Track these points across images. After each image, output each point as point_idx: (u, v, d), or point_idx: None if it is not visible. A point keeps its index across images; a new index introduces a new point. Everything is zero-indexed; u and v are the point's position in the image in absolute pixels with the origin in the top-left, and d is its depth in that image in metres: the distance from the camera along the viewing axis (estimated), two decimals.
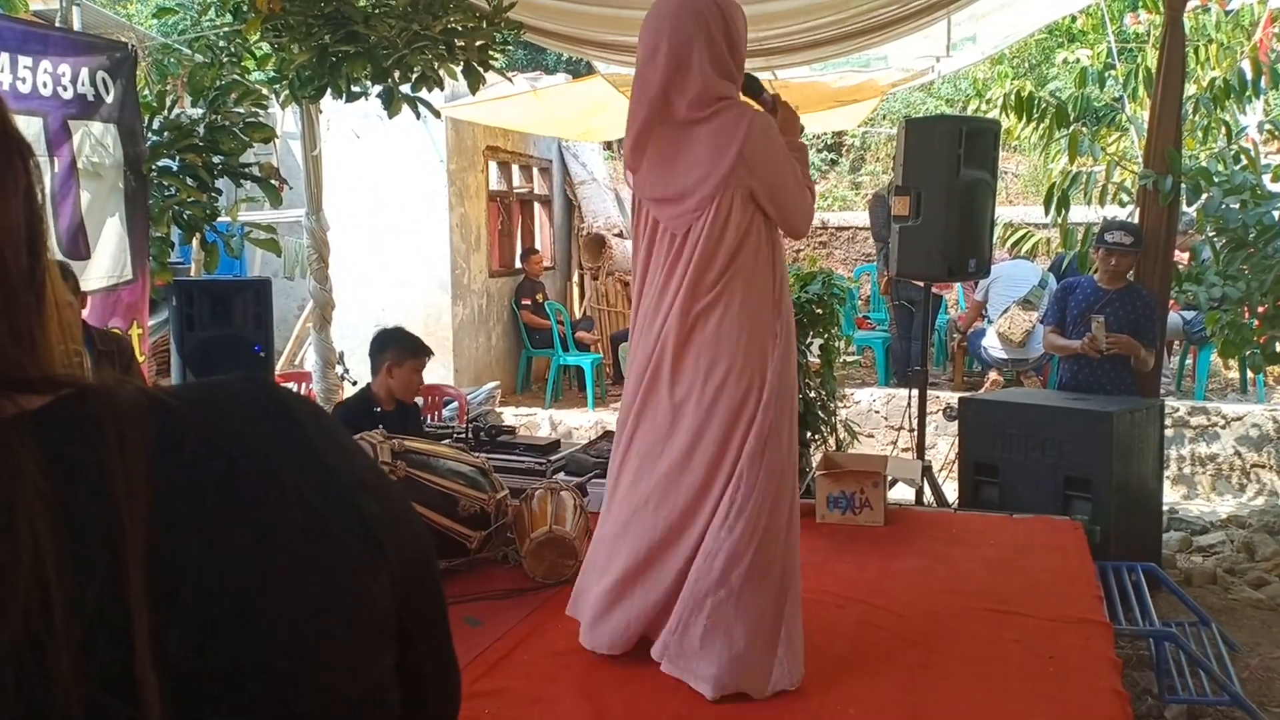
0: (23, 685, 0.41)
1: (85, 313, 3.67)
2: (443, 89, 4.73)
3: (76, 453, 0.45)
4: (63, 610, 0.42)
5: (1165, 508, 4.94)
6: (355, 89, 4.47)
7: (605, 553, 2.42)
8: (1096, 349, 4.47)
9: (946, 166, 4.26)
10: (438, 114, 4.87)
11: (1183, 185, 4.69)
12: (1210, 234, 4.75)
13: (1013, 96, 5.60)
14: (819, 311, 5.34)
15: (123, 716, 0.42)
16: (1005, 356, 7.18)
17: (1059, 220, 5.24)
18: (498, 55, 4.74)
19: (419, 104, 4.56)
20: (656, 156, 2.31)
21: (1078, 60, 7.39)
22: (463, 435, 4.07)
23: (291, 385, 5.12)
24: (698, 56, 2.24)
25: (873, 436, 7.16)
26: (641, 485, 2.35)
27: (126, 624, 0.43)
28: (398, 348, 3.93)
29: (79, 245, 3.70)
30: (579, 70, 8.87)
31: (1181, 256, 5.70)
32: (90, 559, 0.43)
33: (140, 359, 3.95)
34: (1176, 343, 7.44)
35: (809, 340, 5.36)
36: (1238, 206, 4.55)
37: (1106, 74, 6.67)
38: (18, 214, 0.49)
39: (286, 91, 4.56)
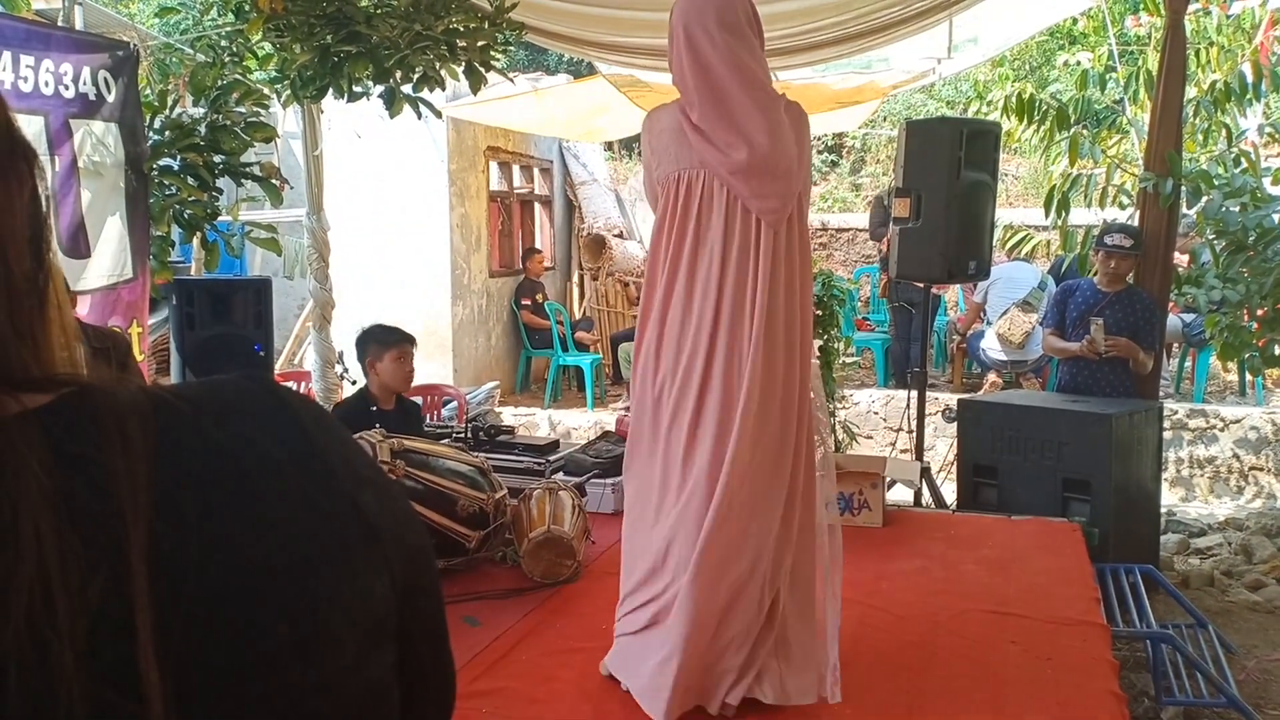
0: (27, 681, 0.41)
1: (85, 312, 3.68)
2: (444, 89, 4.74)
3: (79, 451, 0.46)
4: (66, 607, 0.42)
5: (1163, 510, 4.95)
6: (357, 89, 4.47)
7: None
8: (1095, 351, 4.47)
9: (947, 168, 4.26)
10: (439, 114, 4.87)
11: (1183, 188, 4.69)
12: (1210, 237, 4.75)
13: (1014, 99, 5.60)
14: (818, 313, 5.34)
15: (126, 712, 0.43)
16: (1004, 358, 7.18)
17: (1059, 222, 5.24)
18: (499, 56, 4.73)
19: (420, 104, 4.56)
20: (768, 130, 2.17)
21: (1078, 63, 7.38)
22: (462, 435, 4.07)
23: (291, 384, 5.12)
24: (747, 32, 2.19)
25: (871, 438, 7.16)
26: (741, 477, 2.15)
27: (130, 621, 0.43)
28: (375, 342, 3.92)
29: (79, 244, 3.70)
30: (580, 71, 8.88)
31: (1181, 259, 5.70)
32: (93, 556, 0.44)
33: (140, 358, 3.95)
34: (1175, 345, 7.45)
35: None
36: (1238, 209, 4.56)
37: (1107, 76, 6.66)
38: (22, 215, 0.49)
39: (288, 91, 4.56)
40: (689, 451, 2.17)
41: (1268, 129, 6.13)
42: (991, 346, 7.23)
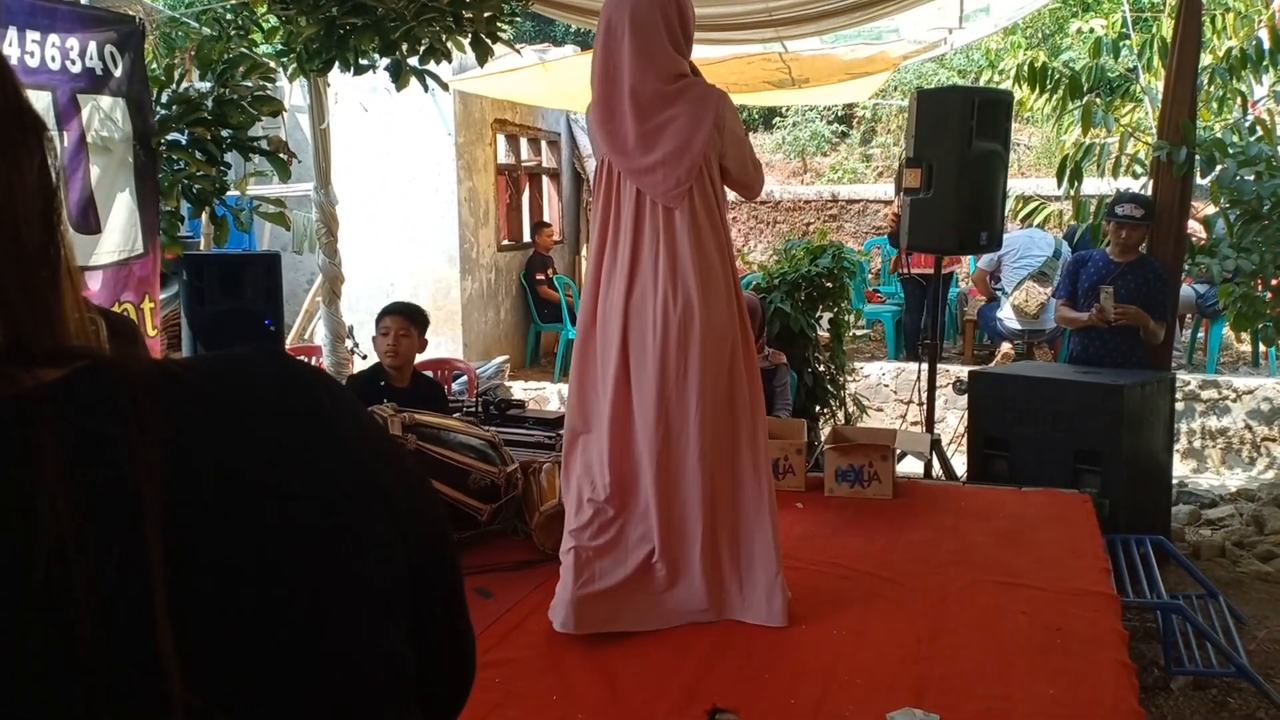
0: (46, 653, 0.41)
1: (97, 288, 3.69)
2: (450, 61, 4.70)
3: (93, 425, 0.46)
4: (83, 580, 0.42)
5: (1175, 481, 4.93)
6: (363, 62, 4.44)
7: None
8: (1104, 319, 4.44)
9: (958, 138, 4.22)
10: (445, 87, 4.84)
11: (1197, 157, 4.64)
12: (1224, 206, 4.70)
13: (1026, 67, 5.53)
14: (829, 285, 5.32)
15: (143, 684, 0.43)
16: (1020, 328, 7.16)
17: (1072, 192, 5.19)
18: (505, 27, 4.69)
19: (427, 77, 4.53)
20: (635, 129, 2.43)
21: (1092, 30, 7.29)
22: (472, 409, 4.08)
23: (301, 359, 5.12)
24: (658, 34, 2.39)
25: (882, 410, 7.16)
26: (685, 448, 2.51)
27: (146, 594, 0.43)
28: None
29: (90, 219, 3.70)
30: (587, 42, 8.80)
31: (1194, 227, 5.64)
32: (109, 530, 0.44)
33: (151, 333, 3.97)
34: (1189, 316, 7.40)
35: (818, 314, 5.35)
36: (1252, 178, 4.50)
37: (1121, 44, 6.57)
38: (32, 187, 0.49)
39: (294, 65, 4.53)
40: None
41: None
42: (1008, 316, 7.20)
